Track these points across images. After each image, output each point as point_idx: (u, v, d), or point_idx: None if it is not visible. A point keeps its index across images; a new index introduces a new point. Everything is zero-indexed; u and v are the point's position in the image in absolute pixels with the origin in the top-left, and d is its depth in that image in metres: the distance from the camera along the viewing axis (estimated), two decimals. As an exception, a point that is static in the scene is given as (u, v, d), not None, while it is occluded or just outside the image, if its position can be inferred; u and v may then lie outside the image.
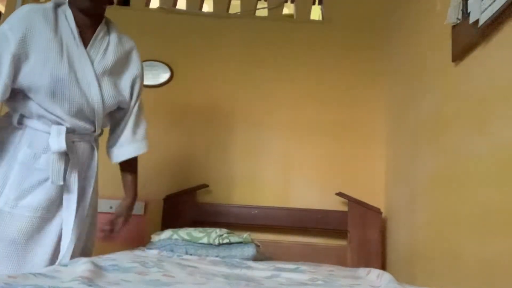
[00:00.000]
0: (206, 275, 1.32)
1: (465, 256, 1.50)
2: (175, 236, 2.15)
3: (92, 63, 1.56)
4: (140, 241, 2.52)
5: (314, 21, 3.05)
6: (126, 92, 1.69)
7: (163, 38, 2.85)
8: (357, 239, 2.44)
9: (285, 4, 3.10)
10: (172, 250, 2.10)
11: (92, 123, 1.62)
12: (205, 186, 2.60)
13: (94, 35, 1.59)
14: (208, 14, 2.98)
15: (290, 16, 3.42)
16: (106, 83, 1.60)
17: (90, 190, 1.65)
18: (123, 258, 1.46)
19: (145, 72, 2.75)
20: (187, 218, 2.50)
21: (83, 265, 1.14)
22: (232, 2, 2.97)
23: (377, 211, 2.48)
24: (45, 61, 1.45)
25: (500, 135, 1.34)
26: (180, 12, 2.96)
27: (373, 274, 1.53)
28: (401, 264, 2.21)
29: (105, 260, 1.34)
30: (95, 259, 1.31)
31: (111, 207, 2.59)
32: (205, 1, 3.04)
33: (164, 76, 2.78)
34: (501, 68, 1.36)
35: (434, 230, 1.80)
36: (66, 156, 1.53)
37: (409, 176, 2.16)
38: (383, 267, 2.40)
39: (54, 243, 1.51)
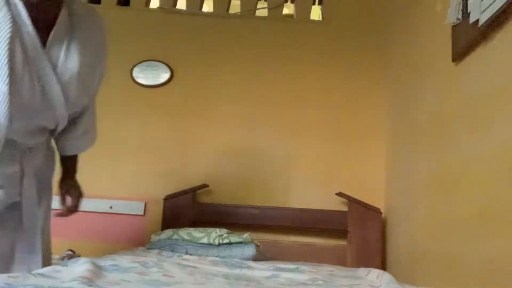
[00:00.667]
0: (206, 275, 1.32)
1: (465, 256, 1.50)
2: (175, 236, 2.16)
3: (55, 68, 1.28)
4: (140, 241, 2.52)
5: (314, 21, 3.05)
6: (96, 90, 1.52)
7: (163, 38, 2.85)
8: (357, 239, 2.44)
9: (285, 4, 3.10)
10: (172, 250, 2.10)
11: (51, 131, 1.46)
12: (205, 186, 2.60)
13: (54, 30, 1.27)
14: (208, 14, 2.98)
15: (290, 16, 3.42)
16: (74, 91, 1.35)
17: (46, 195, 1.54)
18: (123, 258, 1.46)
19: (145, 72, 2.79)
20: (187, 218, 2.50)
21: (83, 265, 1.14)
22: (232, 2, 2.97)
23: (377, 211, 2.48)
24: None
25: (500, 134, 1.33)
26: (180, 12, 2.95)
27: (373, 274, 1.53)
28: (401, 264, 2.21)
29: (105, 260, 1.34)
30: (95, 259, 1.31)
31: (111, 207, 2.59)
32: (205, 1, 3.04)
33: (164, 76, 2.78)
34: (501, 68, 1.36)
35: (434, 230, 1.80)
36: (20, 165, 1.37)
37: (409, 176, 2.16)
38: (383, 267, 2.40)
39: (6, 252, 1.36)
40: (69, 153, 1.61)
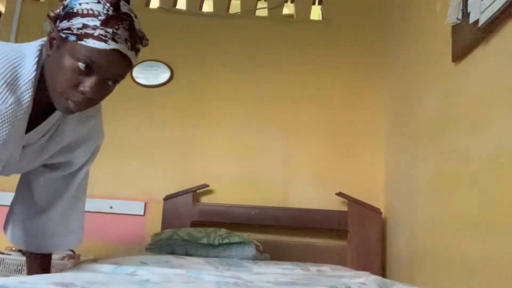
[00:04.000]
0: (196, 275, 1.31)
1: (465, 256, 1.50)
2: (175, 236, 2.15)
3: (26, 146, 1.19)
4: (140, 241, 2.52)
5: (314, 21, 3.05)
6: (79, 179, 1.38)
7: (163, 38, 2.84)
8: (357, 239, 2.44)
9: (285, 4, 3.10)
10: (172, 250, 2.10)
11: None
12: (205, 186, 2.60)
13: (43, 124, 1.19)
14: (208, 14, 2.98)
15: (290, 16, 3.41)
16: (30, 161, 1.26)
17: None
18: (114, 259, 1.45)
19: (145, 72, 2.79)
20: (187, 218, 2.50)
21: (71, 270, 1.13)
22: (232, 2, 2.97)
23: (377, 211, 2.48)
24: None
25: (500, 134, 1.33)
26: (180, 12, 2.95)
27: (364, 274, 1.52)
28: (401, 264, 2.20)
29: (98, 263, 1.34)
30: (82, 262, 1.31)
31: (111, 207, 2.59)
32: (205, 1, 3.04)
33: (164, 76, 2.78)
34: (501, 68, 1.36)
35: (434, 230, 1.80)
36: None
37: (409, 176, 2.16)
38: (383, 267, 2.40)
39: None
40: (41, 251, 1.40)
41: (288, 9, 3.47)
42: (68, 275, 1.04)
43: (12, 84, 1.06)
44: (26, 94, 1.08)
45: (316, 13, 3.16)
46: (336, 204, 2.57)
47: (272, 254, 2.31)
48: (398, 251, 2.27)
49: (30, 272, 1.43)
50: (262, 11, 2.97)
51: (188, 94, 2.78)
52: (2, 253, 2.11)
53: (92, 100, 1.09)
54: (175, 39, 2.85)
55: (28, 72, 1.08)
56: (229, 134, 2.72)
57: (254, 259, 2.04)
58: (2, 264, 2.04)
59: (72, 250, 2.33)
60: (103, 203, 2.58)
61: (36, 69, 1.09)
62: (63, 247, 1.45)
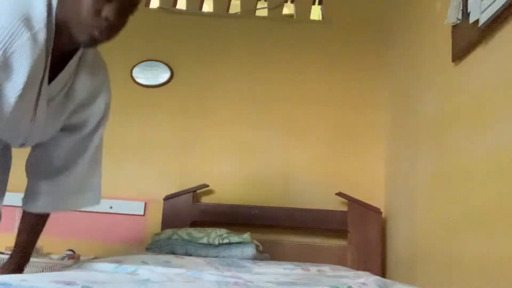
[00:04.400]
0: (197, 275, 1.31)
1: (465, 256, 1.50)
2: (175, 236, 2.16)
3: (49, 101, 1.23)
4: (140, 241, 2.52)
5: (314, 21, 3.05)
6: (79, 121, 1.39)
7: (163, 38, 2.85)
8: (357, 239, 2.44)
9: (285, 4, 3.10)
10: (172, 250, 2.11)
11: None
12: (205, 186, 2.60)
13: (63, 72, 1.22)
14: (208, 14, 2.98)
15: (290, 16, 3.42)
16: (54, 128, 1.31)
17: None
18: (112, 259, 1.45)
19: (145, 72, 2.79)
20: (187, 218, 2.50)
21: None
22: (232, 2, 2.97)
23: (377, 211, 2.48)
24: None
25: (500, 134, 1.34)
26: (180, 12, 2.95)
27: (364, 274, 1.53)
28: (401, 264, 2.21)
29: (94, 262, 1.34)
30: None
31: (111, 207, 2.59)
32: (205, 1, 3.04)
33: (164, 76, 2.78)
34: (501, 68, 1.36)
35: (434, 230, 1.80)
36: None
37: (409, 176, 2.16)
38: (383, 267, 2.40)
39: None
40: (48, 209, 1.40)
41: (288, 9, 3.47)
42: (69, 274, 1.04)
43: (26, 22, 1.08)
44: (41, 33, 1.10)
45: (316, 13, 3.17)
46: (336, 204, 2.57)
47: (272, 254, 2.31)
48: (398, 251, 2.27)
49: (19, 236, 1.42)
50: (262, 11, 2.97)
51: (188, 94, 2.78)
52: (2, 253, 2.11)
53: (114, 27, 1.16)
54: (175, 39, 2.85)
55: (40, 13, 1.11)
56: (229, 134, 2.73)
57: (254, 259, 2.04)
58: (2, 264, 2.04)
59: (72, 250, 2.33)
60: (103, 203, 2.51)
61: (47, 11, 1.12)
62: (80, 206, 1.47)
